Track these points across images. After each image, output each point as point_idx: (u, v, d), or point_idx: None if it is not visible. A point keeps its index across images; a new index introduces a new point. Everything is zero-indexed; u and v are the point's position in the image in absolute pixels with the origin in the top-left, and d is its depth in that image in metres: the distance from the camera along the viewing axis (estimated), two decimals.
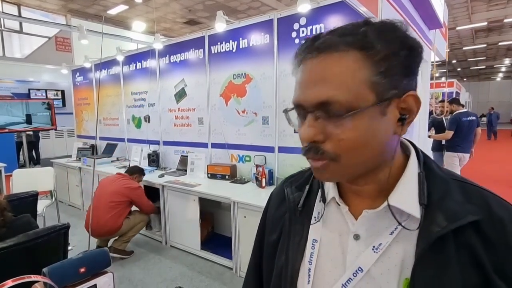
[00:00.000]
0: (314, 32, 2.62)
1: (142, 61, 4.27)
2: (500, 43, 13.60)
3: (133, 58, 4.41)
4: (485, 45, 13.97)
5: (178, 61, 3.79)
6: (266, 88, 3.00)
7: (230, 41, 3.24)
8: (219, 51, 3.35)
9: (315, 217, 0.57)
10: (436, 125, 4.78)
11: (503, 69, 20.82)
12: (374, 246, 0.49)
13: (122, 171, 3.36)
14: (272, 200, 0.70)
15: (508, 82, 23.25)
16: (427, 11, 3.32)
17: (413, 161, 0.52)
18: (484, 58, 17.07)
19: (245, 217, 2.55)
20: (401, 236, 0.48)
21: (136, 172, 3.24)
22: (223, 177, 3.24)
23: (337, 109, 0.44)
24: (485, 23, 10.70)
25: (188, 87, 3.73)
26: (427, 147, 4.60)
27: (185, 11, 9.32)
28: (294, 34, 2.76)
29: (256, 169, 2.97)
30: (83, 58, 5.07)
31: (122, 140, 4.80)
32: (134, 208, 3.13)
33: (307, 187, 0.61)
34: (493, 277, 0.43)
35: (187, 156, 3.61)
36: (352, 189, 0.54)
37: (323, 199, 0.57)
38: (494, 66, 19.51)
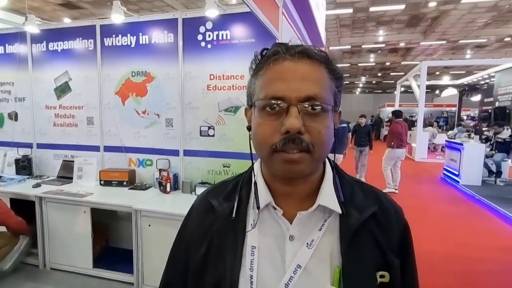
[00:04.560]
0: (220, 38, 2.68)
1: (6, 45, 3.44)
2: (359, 64, 16.78)
3: None
4: (349, 64, 16.98)
5: (59, 50, 3.23)
6: (170, 89, 2.88)
7: (128, 35, 2.97)
8: (114, 44, 3.03)
9: (251, 224, 0.58)
10: None
11: (361, 85, 25.81)
12: (307, 243, 0.55)
13: None
14: (193, 214, 0.67)
15: (363, 95, 29.00)
16: (313, 31, 3.83)
17: (329, 167, 0.61)
18: (348, 75, 20.73)
19: (149, 225, 2.37)
20: (327, 230, 0.56)
21: None
22: (120, 184, 2.93)
23: (319, 105, 0.51)
24: (349, 47, 13.02)
25: (73, 82, 3.22)
26: None
27: None
28: (200, 37, 2.74)
29: (160, 173, 2.81)
30: None
31: None
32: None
33: (237, 196, 0.61)
34: (389, 254, 0.55)
35: (72, 161, 3.10)
36: (286, 192, 0.58)
37: (258, 206, 0.57)
38: (355, 82, 23.95)
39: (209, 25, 2.71)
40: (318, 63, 0.53)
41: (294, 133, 0.49)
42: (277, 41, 2.38)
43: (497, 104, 10.25)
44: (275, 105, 0.51)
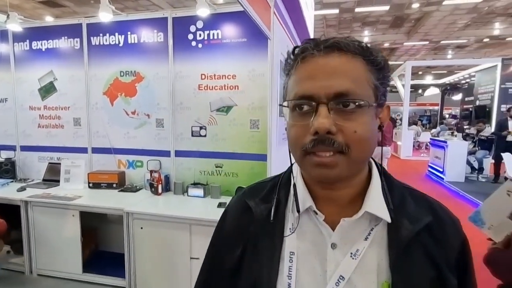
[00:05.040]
0: (211, 37, 2.65)
1: None
2: None
3: None
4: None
5: (43, 49, 3.13)
6: (161, 89, 2.83)
7: (116, 34, 2.91)
8: (101, 43, 2.95)
9: (289, 229, 0.55)
10: None
11: None
12: (351, 253, 0.50)
13: None
14: (229, 214, 0.65)
15: None
16: (303, 31, 3.85)
17: (375, 170, 0.56)
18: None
19: (142, 228, 2.33)
20: (374, 240, 0.51)
21: None
22: (109, 186, 2.86)
23: (354, 100, 0.46)
24: None
25: (58, 82, 3.13)
26: None
27: None
28: (191, 36, 2.71)
29: (151, 175, 2.76)
30: None
31: None
32: None
33: (275, 198, 0.58)
34: (444, 270, 0.50)
35: (59, 164, 3.01)
36: (327, 195, 0.54)
37: (297, 209, 0.54)
38: None
39: (199, 24, 2.68)
40: (352, 55, 0.48)
41: (323, 134, 0.46)
42: (272, 37, 2.38)
43: (477, 102, 10.60)
44: (304, 105, 0.49)
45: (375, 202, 0.52)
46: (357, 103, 0.47)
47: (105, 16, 2.68)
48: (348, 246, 0.51)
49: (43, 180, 3.12)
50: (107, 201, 2.54)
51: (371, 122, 0.49)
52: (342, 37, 0.50)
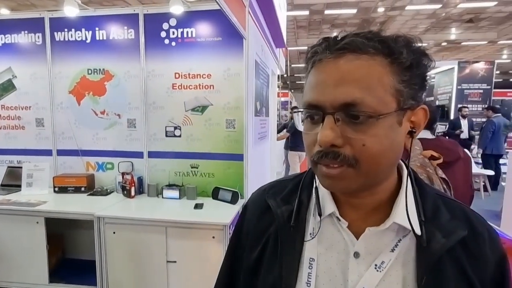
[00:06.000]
0: (185, 35, 2.60)
1: None
2: None
3: None
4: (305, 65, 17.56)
5: (0, 44, 2.89)
6: (132, 88, 2.73)
7: (83, 29, 2.76)
8: (67, 39, 2.79)
9: (310, 234, 0.52)
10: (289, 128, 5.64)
11: None
12: (376, 265, 0.47)
13: None
14: (249, 212, 0.62)
15: None
16: (276, 31, 3.89)
17: (405, 176, 0.51)
18: (304, 75, 21.44)
19: (114, 233, 2.23)
20: (401, 253, 0.48)
21: None
22: (77, 190, 2.71)
23: (361, 112, 0.42)
24: (306, 47, 13.47)
25: (18, 79, 2.91)
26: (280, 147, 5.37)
27: None
28: (163, 34, 2.64)
29: (123, 177, 2.65)
30: None
31: None
32: None
33: (297, 199, 0.55)
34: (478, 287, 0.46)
35: (20, 167, 2.80)
36: (350, 202, 0.51)
37: (319, 213, 0.51)
38: None
39: (172, 22, 2.61)
40: (368, 57, 0.43)
41: (327, 147, 0.43)
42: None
43: (437, 102, 11.29)
44: (313, 114, 0.46)
45: (404, 212, 0.47)
46: (367, 114, 0.42)
47: (71, 10, 2.54)
48: (372, 256, 0.48)
49: (2, 185, 2.88)
50: (75, 205, 2.41)
51: (388, 132, 0.44)
52: (363, 33, 0.44)
